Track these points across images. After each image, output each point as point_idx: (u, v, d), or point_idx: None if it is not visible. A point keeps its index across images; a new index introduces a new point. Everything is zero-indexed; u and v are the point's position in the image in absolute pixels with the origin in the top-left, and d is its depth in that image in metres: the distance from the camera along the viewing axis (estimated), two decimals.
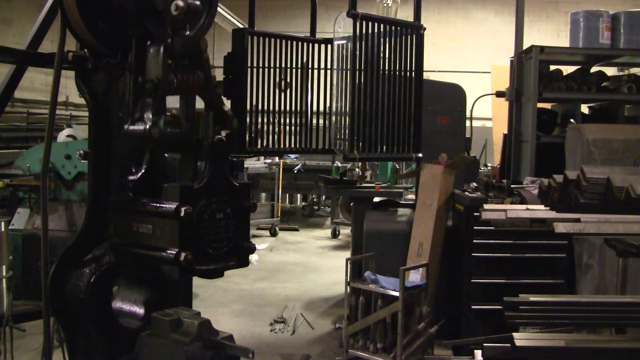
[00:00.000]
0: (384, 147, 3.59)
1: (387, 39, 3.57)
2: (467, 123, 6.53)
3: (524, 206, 3.43)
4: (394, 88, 3.60)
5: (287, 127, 3.61)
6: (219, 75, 2.89)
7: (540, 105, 6.41)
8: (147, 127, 2.01)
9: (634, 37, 6.34)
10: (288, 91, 3.53)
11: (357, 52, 3.43)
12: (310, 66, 3.59)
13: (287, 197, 13.58)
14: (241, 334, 5.76)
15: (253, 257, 8.56)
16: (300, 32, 3.82)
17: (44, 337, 2.34)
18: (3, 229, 5.71)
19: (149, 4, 2.10)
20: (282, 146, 3.74)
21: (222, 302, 6.98)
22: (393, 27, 3.60)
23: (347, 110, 3.55)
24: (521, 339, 2.55)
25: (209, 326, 2.12)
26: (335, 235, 11.24)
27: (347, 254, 6.92)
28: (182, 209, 1.93)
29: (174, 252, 1.95)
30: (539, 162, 6.15)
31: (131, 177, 2.09)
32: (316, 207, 14.07)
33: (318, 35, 3.68)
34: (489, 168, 8.43)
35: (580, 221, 2.53)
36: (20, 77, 3.16)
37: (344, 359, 4.90)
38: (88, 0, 2.20)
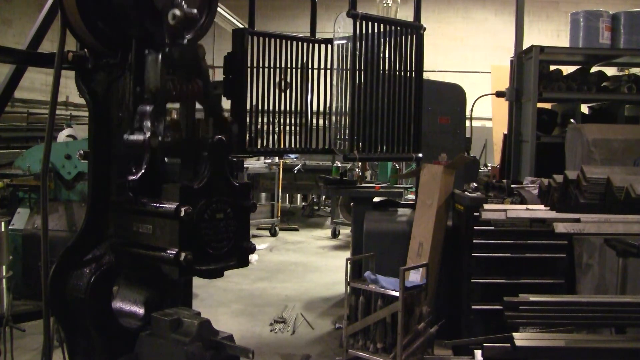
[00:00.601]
0: (384, 147, 3.59)
1: (387, 39, 3.57)
2: (467, 123, 6.53)
3: (524, 206, 3.43)
4: (394, 88, 3.60)
5: (287, 127, 3.61)
6: (219, 75, 2.90)
7: (540, 105, 6.41)
8: (147, 137, 2.02)
9: (634, 37, 6.34)
10: (288, 91, 3.53)
11: (357, 52, 3.43)
12: (310, 66, 3.59)
13: (287, 197, 13.59)
14: (241, 334, 5.76)
15: (253, 257, 8.57)
16: (300, 32, 3.82)
17: (44, 337, 2.34)
18: (3, 229, 5.71)
19: (149, 4, 2.10)
20: (282, 146, 3.74)
21: (222, 302, 6.98)
22: (393, 27, 3.60)
23: (347, 110, 3.55)
24: (521, 339, 2.55)
25: (209, 326, 2.12)
26: (335, 235, 11.24)
27: (347, 254, 6.93)
28: (182, 209, 1.93)
29: (174, 252, 1.95)
30: (539, 162, 6.15)
31: (131, 177, 2.09)
32: (316, 207, 14.07)
33: (318, 35, 3.68)
34: (489, 168, 8.43)
35: (580, 221, 2.53)
36: (20, 77, 3.16)
37: (344, 359, 4.90)
38: (88, 0, 2.20)
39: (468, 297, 4.96)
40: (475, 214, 4.72)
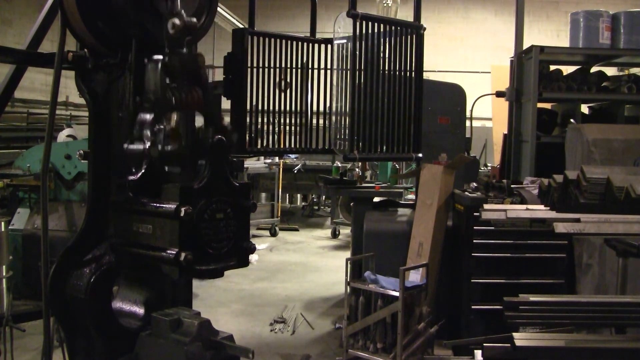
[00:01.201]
0: (384, 147, 3.59)
1: (387, 39, 3.57)
2: (467, 123, 6.53)
3: (524, 206, 3.43)
4: (394, 88, 3.60)
5: (287, 127, 3.61)
6: (219, 75, 2.89)
7: (540, 105, 6.41)
8: (146, 147, 2.02)
9: (634, 37, 6.34)
10: (288, 91, 3.53)
11: (357, 52, 3.43)
12: (310, 66, 3.59)
13: (287, 197, 13.58)
14: (241, 334, 5.76)
15: (253, 257, 8.57)
16: (300, 32, 3.82)
17: (44, 337, 2.34)
18: (3, 229, 5.71)
19: (149, 4, 2.10)
20: (282, 146, 3.74)
21: (222, 302, 6.98)
22: (393, 27, 3.60)
23: (347, 110, 3.55)
24: (521, 339, 2.55)
25: (209, 326, 2.12)
26: (335, 235, 11.24)
27: (347, 254, 6.93)
28: (182, 209, 1.93)
29: (174, 252, 1.95)
30: (539, 162, 6.15)
31: (131, 177, 2.09)
32: (316, 207, 14.07)
33: (318, 35, 3.68)
34: (489, 168, 8.43)
35: (580, 221, 2.53)
36: (20, 77, 3.15)
37: (344, 359, 4.90)
38: (88, 0, 2.19)
39: (468, 297, 4.96)
40: (475, 214, 4.72)
